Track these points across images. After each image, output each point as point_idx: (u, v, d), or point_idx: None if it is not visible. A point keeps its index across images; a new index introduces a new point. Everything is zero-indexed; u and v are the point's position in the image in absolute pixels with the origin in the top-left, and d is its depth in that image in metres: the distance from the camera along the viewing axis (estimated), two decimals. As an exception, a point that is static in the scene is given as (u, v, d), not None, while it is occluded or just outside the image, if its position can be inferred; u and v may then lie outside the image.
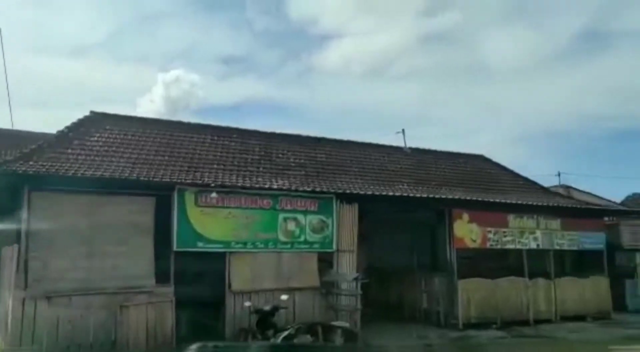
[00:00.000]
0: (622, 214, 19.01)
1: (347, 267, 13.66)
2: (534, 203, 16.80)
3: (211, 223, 12.09)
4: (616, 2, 67.93)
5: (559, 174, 29.35)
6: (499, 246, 16.02)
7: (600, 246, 17.76)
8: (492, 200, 16.40)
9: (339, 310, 13.18)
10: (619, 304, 18.64)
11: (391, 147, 22.20)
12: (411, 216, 17.27)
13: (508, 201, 16.56)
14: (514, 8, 74.38)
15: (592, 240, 17.65)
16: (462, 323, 14.67)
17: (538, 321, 15.86)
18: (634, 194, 28.49)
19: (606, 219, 19.08)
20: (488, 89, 70.52)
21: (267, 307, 10.63)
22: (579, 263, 19.83)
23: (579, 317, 16.69)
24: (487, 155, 24.12)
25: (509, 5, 75.10)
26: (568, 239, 17.23)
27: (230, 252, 12.33)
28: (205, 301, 11.81)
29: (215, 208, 12.23)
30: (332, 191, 14.02)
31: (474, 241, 15.60)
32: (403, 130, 22.39)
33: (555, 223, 17.01)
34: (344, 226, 13.79)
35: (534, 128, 70.70)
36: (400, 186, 17.94)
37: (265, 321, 10.58)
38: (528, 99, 68.79)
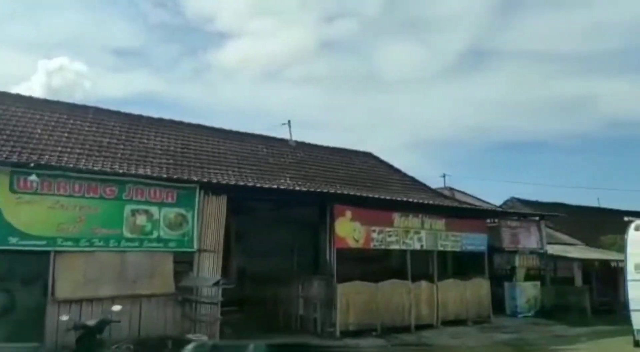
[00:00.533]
0: (505, 215, 18.88)
1: (210, 270, 11.65)
2: (420, 201, 15.94)
3: (30, 214, 9.55)
4: (496, 24, 72.36)
5: (444, 176, 29.43)
6: (383, 246, 14.89)
7: (482, 247, 17.38)
8: (376, 196, 15.25)
9: (198, 320, 11.17)
10: (499, 306, 18.49)
11: (275, 139, 20.55)
12: (293, 213, 15.68)
13: (393, 198, 15.52)
14: (407, 23, 76.49)
15: (475, 242, 17.20)
16: (340, 331, 13.27)
17: (420, 326, 14.94)
18: (512, 198, 29.31)
19: (488, 221, 18.84)
20: (383, 98, 71.87)
21: (91, 322, 8.31)
22: (461, 265, 19.49)
23: (460, 321, 16.09)
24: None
25: (402, 19, 77.17)
26: (452, 240, 16.59)
27: (57, 251, 9.83)
28: (20, 313, 9.24)
29: (36, 195, 9.68)
30: (196, 180, 11.96)
31: (357, 241, 14.32)
32: (289, 121, 20.83)
33: (440, 223, 16.28)
34: (209, 222, 11.78)
35: (424, 136, 73.20)
36: (282, 181, 16.34)
37: (89, 339, 8.27)
38: (419, 110, 71.06)
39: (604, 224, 29.20)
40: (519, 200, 29.46)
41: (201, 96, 74.78)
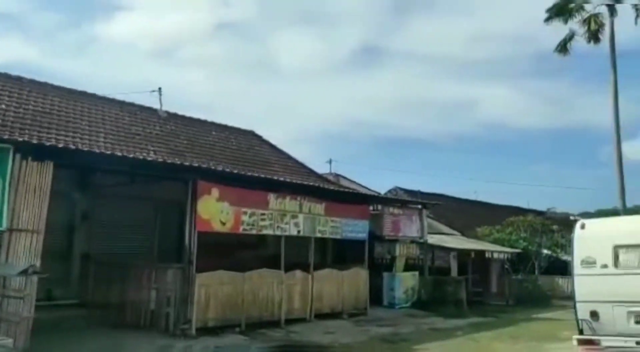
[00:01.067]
0: (388, 202, 17.95)
1: (26, 255, 9.14)
2: (298, 181, 14.42)
3: None
4: (389, 24, 73.78)
5: (330, 162, 28.33)
6: (254, 231, 13.16)
7: (363, 235, 16.31)
8: (248, 173, 13.49)
9: (4, 320, 8.67)
10: (377, 298, 17.67)
11: (143, 107, 18.00)
12: (155, 190, 13.44)
13: (267, 176, 13.87)
14: (306, 14, 75.42)
15: (356, 229, 16.08)
16: (197, 328, 11.36)
17: (291, 321, 13.50)
18: (395, 187, 29.11)
19: (371, 208, 17.84)
20: (278, 88, 70.21)
21: None
22: (342, 254, 18.44)
23: (336, 314, 14.91)
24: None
25: (301, 10, 75.93)
26: (331, 226, 15.30)
27: None
28: None
29: None
30: (9, 138, 9.34)
31: (224, 224, 12.43)
32: (160, 89, 18.36)
33: (320, 207, 14.89)
34: (27, 194, 9.22)
35: (316, 130, 72.80)
36: (144, 154, 14.01)
37: None
38: (313, 102, 70.47)
39: (480, 216, 30.14)
40: (402, 189, 29.39)
41: (85, 69, 68.00)
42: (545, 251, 25.04)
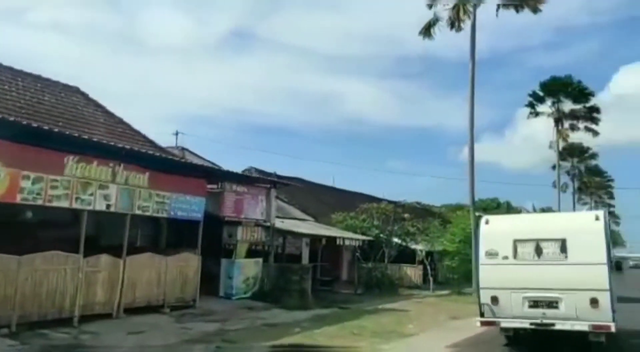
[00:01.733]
0: (229, 177, 15.40)
1: None
2: (108, 141, 11.52)
3: None
4: (261, 12, 71.52)
5: (176, 134, 25.21)
6: (40, 202, 10.02)
7: (197, 214, 13.84)
8: (31, 124, 10.25)
9: None
10: (214, 287, 15.37)
11: None
12: None
13: (61, 131, 10.76)
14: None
15: (189, 206, 13.56)
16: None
17: (91, 317, 10.67)
18: (250, 168, 26.91)
19: (215, 187, 15.35)
20: (143, 64, 64.06)
21: None
22: (181, 237, 15.84)
23: (154, 308, 12.33)
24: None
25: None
26: (157, 202, 12.61)
27: None
28: None
29: None
30: None
31: (-6, 190, 9.21)
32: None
33: (142, 178, 12.11)
34: None
35: (183, 112, 68.06)
36: None
37: None
38: (181, 83, 65.65)
39: (336, 203, 29.16)
40: (257, 170, 27.27)
41: None
42: (396, 240, 24.64)
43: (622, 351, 10.17)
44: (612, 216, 60.04)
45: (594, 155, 49.19)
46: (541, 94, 36.28)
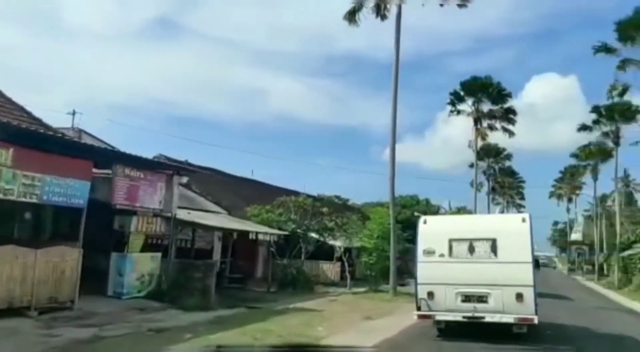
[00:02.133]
0: (120, 158, 13.15)
1: None
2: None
3: None
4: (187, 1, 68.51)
5: (73, 113, 22.45)
6: None
7: (80, 201, 11.85)
8: None
9: None
10: (102, 285, 13.41)
11: None
12: None
13: None
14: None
15: (68, 191, 11.55)
16: None
17: None
18: (160, 155, 24.71)
19: (109, 172, 13.31)
20: (62, 46, 58.96)
21: None
22: (63, 226, 13.73)
23: (18, 311, 10.28)
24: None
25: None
26: (24, 184, 10.53)
27: None
28: None
29: None
30: None
31: None
32: None
33: (4, 155, 10.02)
34: None
35: (105, 99, 63.52)
36: None
37: None
38: (104, 69, 61.14)
39: (254, 195, 27.56)
40: (167, 158, 25.14)
41: None
42: (313, 235, 23.49)
43: (539, 340, 10.55)
44: (523, 216, 62.64)
45: (508, 156, 50.91)
46: (462, 93, 36.60)
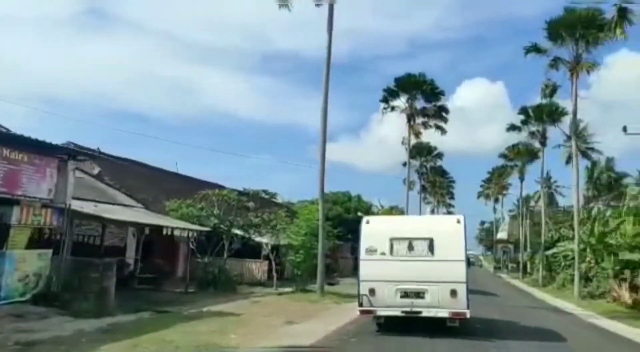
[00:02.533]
0: None
1: None
2: None
3: None
4: None
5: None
6: None
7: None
8: None
9: None
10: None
11: None
12: None
13: None
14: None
15: None
16: None
17: None
18: (69, 142, 22.25)
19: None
20: None
21: None
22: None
23: None
24: None
25: None
26: None
27: None
28: None
29: None
30: None
31: None
32: None
33: None
34: None
35: (42, 92, 58.45)
36: None
37: None
38: (36, 59, 56.17)
39: (176, 189, 25.50)
40: (77, 145, 22.66)
41: None
42: (238, 231, 21.87)
43: (470, 333, 11.01)
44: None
45: (439, 155, 51.28)
46: (395, 89, 36.11)
